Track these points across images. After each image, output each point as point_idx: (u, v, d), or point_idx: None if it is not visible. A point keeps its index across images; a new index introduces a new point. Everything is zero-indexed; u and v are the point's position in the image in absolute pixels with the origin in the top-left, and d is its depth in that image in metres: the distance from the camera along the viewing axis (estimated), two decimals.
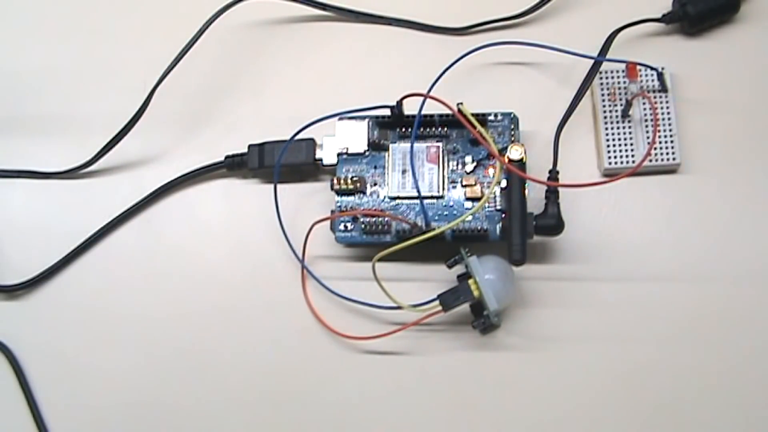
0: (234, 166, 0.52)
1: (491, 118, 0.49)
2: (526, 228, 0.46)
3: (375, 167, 0.50)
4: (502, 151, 0.48)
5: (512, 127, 0.49)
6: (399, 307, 0.47)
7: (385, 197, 0.49)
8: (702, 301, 0.48)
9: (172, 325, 0.50)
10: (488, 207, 0.48)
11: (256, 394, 0.49)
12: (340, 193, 0.49)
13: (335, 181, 0.49)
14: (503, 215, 0.48)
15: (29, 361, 0.51)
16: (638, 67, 0.51)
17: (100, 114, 0.54)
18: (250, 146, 0.52)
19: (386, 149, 0.50)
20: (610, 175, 0.49)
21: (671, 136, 0.50)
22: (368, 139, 0.50)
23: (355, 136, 0.50)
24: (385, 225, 0.48)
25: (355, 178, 0.49)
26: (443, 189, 0.49)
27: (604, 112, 0.51)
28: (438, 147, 0.49)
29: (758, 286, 0.48)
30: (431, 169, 0.49)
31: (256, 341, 0.50)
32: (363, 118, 0.50)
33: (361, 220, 0.49)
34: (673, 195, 0.50)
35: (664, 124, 0.50)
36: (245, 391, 0.49)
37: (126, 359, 0.50)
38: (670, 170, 0.50)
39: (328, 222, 0.49)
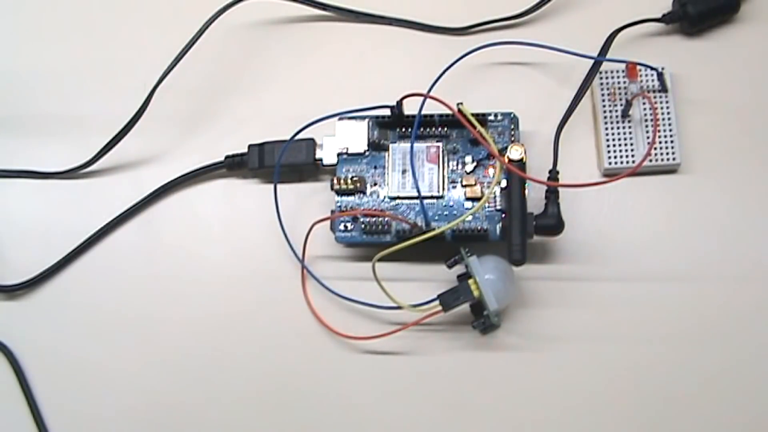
0: (234, 166, 0.52)
1: (491, 118, 0.49)
2: (526, 228, 0.46)
3: (375, 167, 0.50)
4: (502, 151, 0.48)
5: (512, 127, 0.49)
6: (399, 307, 0.47)
7: (385, 197, 0.49)
8: (702, 301, 0.48)
9: (172, 325, 0.50)
10: (488, 207, 0.48)
11: (255, 394, 0.49)
12: (340, 193, 0.49)
13: (335, 181, 0.49)
14: (503, 215, 0.48)
15: (29, 361, 0.51)
16: (638, 67, 0.51)
17: (100, 114, 0.54)
18: (250, 146, 0.52)
19: (386, 149, 0.50)
20: (610, 175, 0.49)
21: (671, 136, 0.50)
22: (368, 139, 0.50)
23: (355, 136, 0.50)
24: (385, 225, 0.48)
25: (355, 178, 0.49)
26: (443, 189, 0.49)
27: (604, 112, 0.51)
28: (438, 147, 0.49)
29: (758, 286, 0.48)
30: (431, 169, 0.49)
31: (256, 341, 0.50)
32: (363, 118, 0.50)
33: (361, 220, 0.49)
34: (673, 195, 0.50)
35: (664, 124, 0.50)
36: (245, 390, 0.49)
37: (126, 359, 0.50)
38: (670, 170, 0.50)
39: (328, 222, 0.49)
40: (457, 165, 0.49)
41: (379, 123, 0.50)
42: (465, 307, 0.47)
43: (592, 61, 0.50)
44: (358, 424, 0.48)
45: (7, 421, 0.50)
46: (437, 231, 0.46)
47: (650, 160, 0.50)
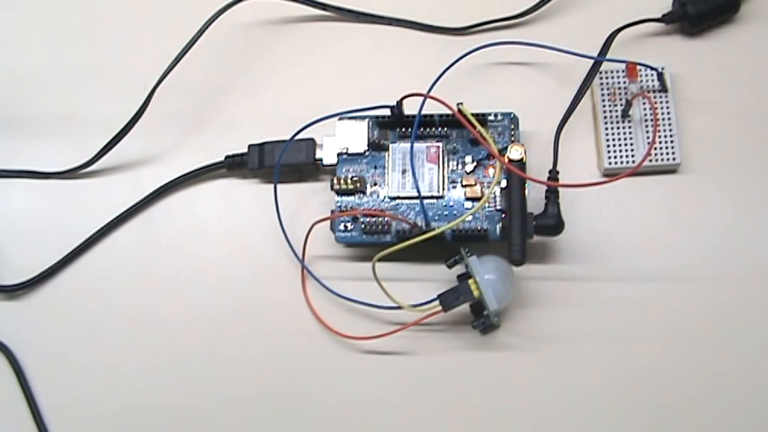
0: (234, 166, 0.52)
1: (491, 118, 0.49)
2: (526, 228, 0.46)
3: (375, 167, 0.50)
4: (502, 151, 0.48)
5: (512, 127, 0.49)
6: (399, 307, 0.47)
7: (385, 197, 0.49)
8: (702, 301, 0.48)
9: (172, 325, 0.50)
10: (488, 207, 0.48)
11: (255, 393, 0.49)
12: (340, 193, 0.49)
13: (335, 181, 0.49)
14: (503, 215, 0.48)
15: (29, 361, 0.51)
16: (638, 67, 0.51)
17: (100, 114, 0.54)
18: (250, 146, 0.52)
19: (386, 149, 0.50)
20: (610, 175, 0.49)
21: (671, 136, 0.50)
22: (368, 139, 0.50)
23: (355, 136, 0.50)
24: (385, 225, 0.48)
25: (355, 178, 0.49)
26: (443, 189, 0.49)
27: (604, 112, 0.51)
28: (438, 147, 0.49)
29: (758, 286, 0.48)
30: (431, 169, 0.49)
31: (256, 341, 0.50)
32: (363, 118, 0.50)
33: (361, 220, 0.49)
34: (673, 195, 0.50)
35: (664, 124, 0.50)
36: (245, 391, 0.49)
37: (125, 359, 0.50)
38: (670, 170, 0.50)
39: (328, 222, 0.49)
40: (457, 165, 0.49)
41: (379, 123, 0.50)
42: (465, 307, 0.47)
43: (592, 61, 0.50)
44: (358, 424, 0.48)
45: (7, 421, 0.50)
46: (437, 231, 0.46)
47: (650, 160, 0.50)
